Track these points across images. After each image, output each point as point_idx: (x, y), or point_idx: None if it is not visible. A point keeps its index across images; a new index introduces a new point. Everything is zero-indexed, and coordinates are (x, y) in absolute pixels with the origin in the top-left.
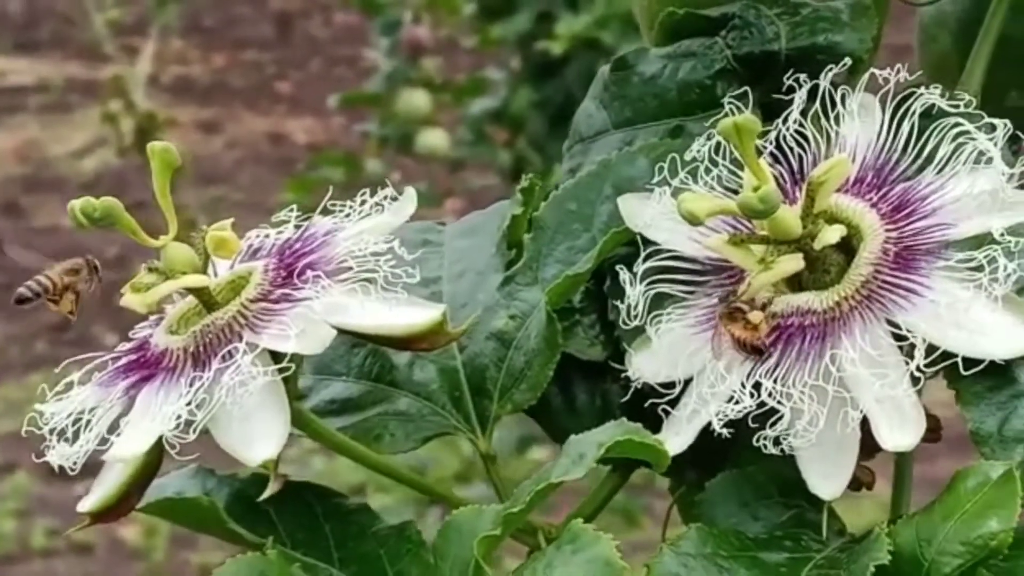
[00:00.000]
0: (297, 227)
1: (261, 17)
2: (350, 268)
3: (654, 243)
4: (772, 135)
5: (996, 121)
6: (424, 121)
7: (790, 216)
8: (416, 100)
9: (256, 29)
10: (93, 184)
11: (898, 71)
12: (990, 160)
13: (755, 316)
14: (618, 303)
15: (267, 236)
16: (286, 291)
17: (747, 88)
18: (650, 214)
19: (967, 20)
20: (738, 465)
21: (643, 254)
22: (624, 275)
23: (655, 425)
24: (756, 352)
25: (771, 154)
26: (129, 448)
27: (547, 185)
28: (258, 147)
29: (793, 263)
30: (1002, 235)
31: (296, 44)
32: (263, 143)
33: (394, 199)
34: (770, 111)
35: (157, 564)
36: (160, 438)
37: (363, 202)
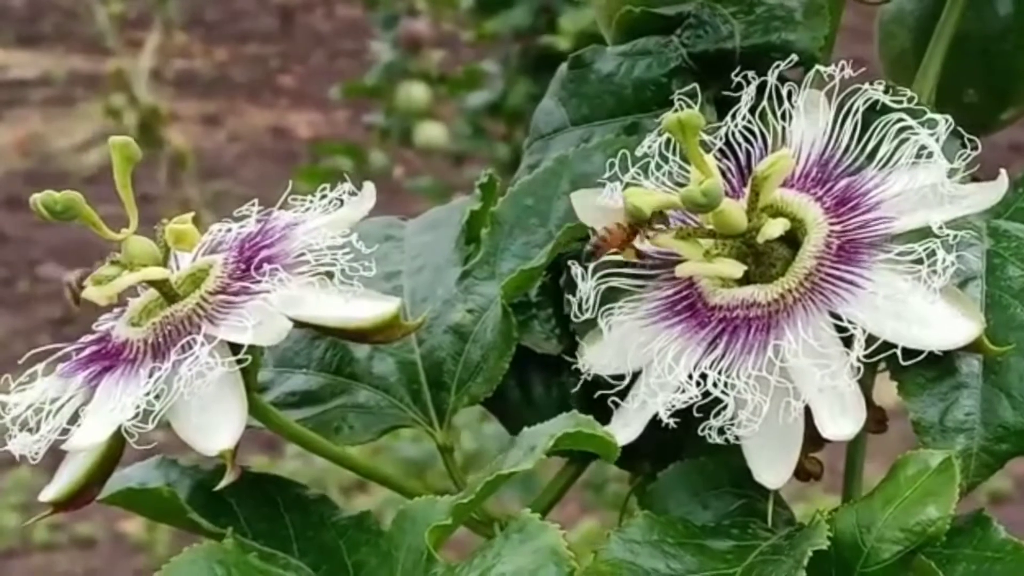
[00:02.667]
0: (259, 221)
1: (263, 11)
2: (308, 262)
3: None
4: (722, 131)
5: (938, 117)
6: (423, 114)
7: (735, 210)
8: (415, 93)
9: (258, 23)
10: (96, 178)
11: (842, 68)
12: (931, 155)
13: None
14: (571, 297)
15: (229, 230)
16: (244, 284)
17: (698, 85)
18: (602, 209)
19: (925, 18)
20: (692, 456)
21: None
22: (576, 269)
23: (607, 416)
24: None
25: (720, 150)
26: (88, 438)
27: None
28: (261, 141)
29: (733, 268)
30: (941, 228)
31: (298, 38)
32: (266, 137)
33: (352, 194)
34: (725, 107)
35: (159, 558)
36: (120, 428)
37: (323, 196)
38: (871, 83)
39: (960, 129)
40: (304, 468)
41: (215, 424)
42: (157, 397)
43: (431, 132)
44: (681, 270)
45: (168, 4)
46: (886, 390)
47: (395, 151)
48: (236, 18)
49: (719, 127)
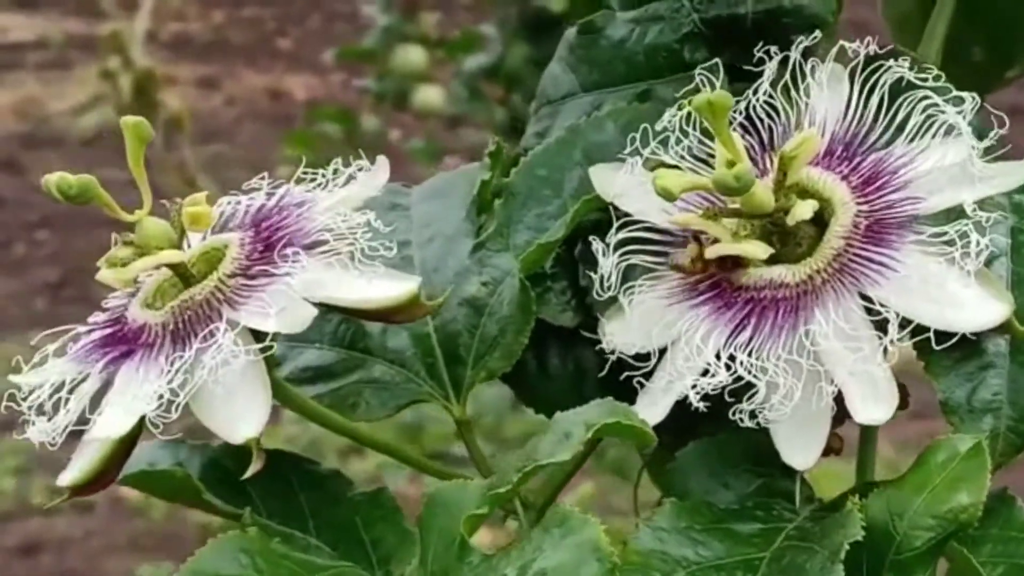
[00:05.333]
0: (269, 195)
1: None
2: (326, 242)
3: (626, 213)
4: (742, 105)
5: (964, 94)
6: (420, 78)
7: (763, 191)
8: (412, 56)
9: None
10: (92, 141)
11: (867, 44)
12: (959, 133)
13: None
14: (591, 273)
15: (239, 203)
16: (264, 267)
17: (717, 58)
18: (621, 184)
19: None
20: (709, 432)
21: (615, 225)
22: (597, 245)
23: (630, 394)
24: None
25: (740, 124)
26: (112, 428)
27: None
28: (257, 104)
29: (760, 250)
30: (974, 210)
31: (295, 0)
32: (262, 100)
33: (363, 170)
34: (738, 74)
35: (156, 522)
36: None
37: (336, 172)
38: (895, 58)
39: (988, 107)
40: (301, 433)
41: (241, 413)
42: (180, 386)
43: (429, 95)
44: (712, 251)
45: None
46: None
47: (390, 114)
48: None
49: (740, 101)
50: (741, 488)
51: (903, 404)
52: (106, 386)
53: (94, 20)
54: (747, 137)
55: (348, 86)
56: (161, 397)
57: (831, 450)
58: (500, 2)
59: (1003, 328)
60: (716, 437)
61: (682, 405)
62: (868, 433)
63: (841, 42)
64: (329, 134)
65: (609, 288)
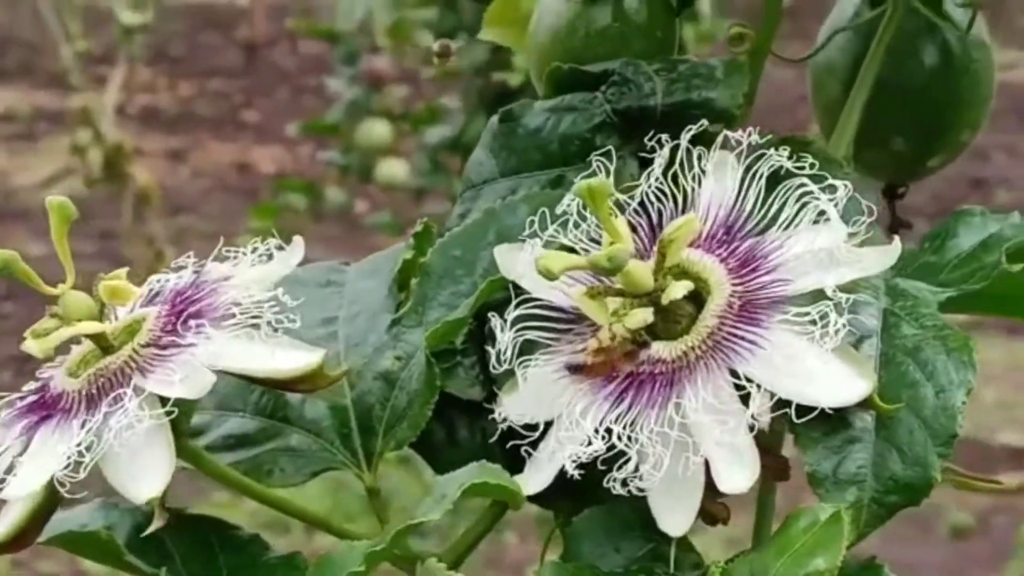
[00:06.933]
0: (194, 272)
1: (228, 46)
2: (235, 315)
3: (525, 291)
4: (638, 191)
5: (837, 182)
6: (384, 151)
7: (642, 271)
8: (376, 130)
9: (223, 58)
10: None
11: (750, 134)
12: (829, 220)
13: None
14: (490, 348)
15: (167, 280)
16: (173, 338)
17: (627, 146)
18: (523, 264)
19: (855, 69)
20: (608, 497)
21: (514, 301)
22: (495, 321)
23: (524, 461)
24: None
25: (634, 210)
26: (23, 487)
27: None
28: (225, 176)
29: (642, 315)
30: (834, 292)
31: (263, 73)
32: (230, 172)
33: (280, 248)
34: (648, 162)
35: None
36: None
37: (254, 250)
38: (776, 148)
39: (858, 196)
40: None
41: (143, 473)
42: (88, 447)
43: (392, 169)
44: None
45: (133, 40)
46: None
47: (356, 187)
48: (201, 54)
49: (637, 186)
50: (631, 552)
51: (784, 476)
52: (25, 450)
53: (62, 93)
54: (639, 219)
55: (315, 159)
56: (70, 458)
57: (717, 519)
58: (463, 76)
59: (866, 404)
60: (611, 503)
61: (582, 471)
62: (764, 506)
63: (725, 132)
64: (295, 206)
65: (505, 362)
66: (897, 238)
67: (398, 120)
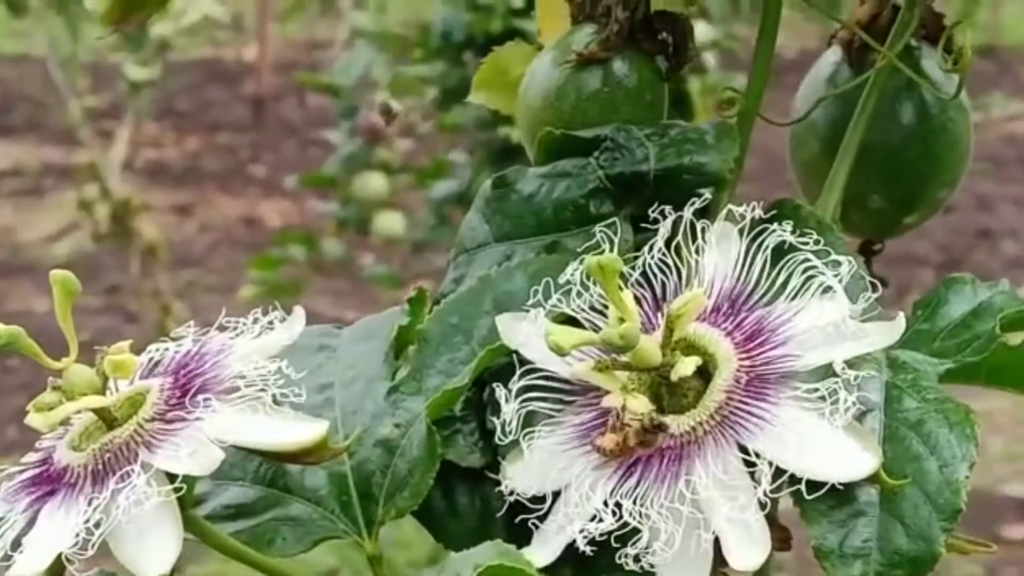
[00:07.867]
0: (195, 342)
1: (235, 100)
2: (239, 388)
3: (530, 361)
4: (639, 262)
5: (841, 258)
6: (381, 204)
7: (650, 347)
8: (372, 183)
9: (230, 112)
10: (66, 269)
11: (753, 208)
12: (834, 295)
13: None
14: (494, 418)
15: (167, 349)
16: (179, 412)
17: (621, 211)
18: (525, 334)
19: (834, 128)
20: (610, 565)
21: (518, 372)
22: (500, 392)
23: (531, 533)
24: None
25: (636, 281)
26: (30, 566)
27: None
28: (231, 230)
29: (643, 406)
30: (843, 368)
31: (270, 127)
32: (236, 226)
33: (283, 320)
34: (641, 226)
35: None
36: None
37: (255, 320)
38: (780, 224)
39: (863, 272)
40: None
41: (152, 549)
42: (96, 524)
43: (389, 222)
44: (605, 401)
45: (140, 95)
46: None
47: (357, 239)
48: (208, 108)
49: (637, 256)
50: None
51: (786, 546)
52: (31, 525)
53: (69, 148)
54: (642, 291)
55: (322, 212)
56: (78, 535)
57: None
58: (463, 131)
59: (872, 479)
60: (614, 573)
61: None
62: (763, 570)
63: (730, 206)
64: (295, 258)
65: (510, 433)
66: (901, 314)
67: (396, 173)
